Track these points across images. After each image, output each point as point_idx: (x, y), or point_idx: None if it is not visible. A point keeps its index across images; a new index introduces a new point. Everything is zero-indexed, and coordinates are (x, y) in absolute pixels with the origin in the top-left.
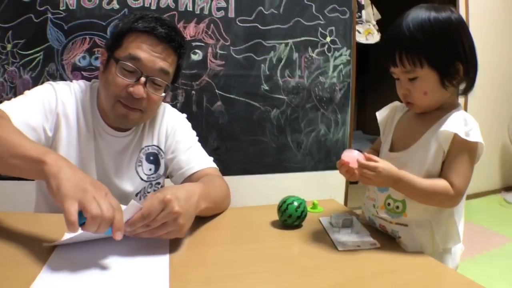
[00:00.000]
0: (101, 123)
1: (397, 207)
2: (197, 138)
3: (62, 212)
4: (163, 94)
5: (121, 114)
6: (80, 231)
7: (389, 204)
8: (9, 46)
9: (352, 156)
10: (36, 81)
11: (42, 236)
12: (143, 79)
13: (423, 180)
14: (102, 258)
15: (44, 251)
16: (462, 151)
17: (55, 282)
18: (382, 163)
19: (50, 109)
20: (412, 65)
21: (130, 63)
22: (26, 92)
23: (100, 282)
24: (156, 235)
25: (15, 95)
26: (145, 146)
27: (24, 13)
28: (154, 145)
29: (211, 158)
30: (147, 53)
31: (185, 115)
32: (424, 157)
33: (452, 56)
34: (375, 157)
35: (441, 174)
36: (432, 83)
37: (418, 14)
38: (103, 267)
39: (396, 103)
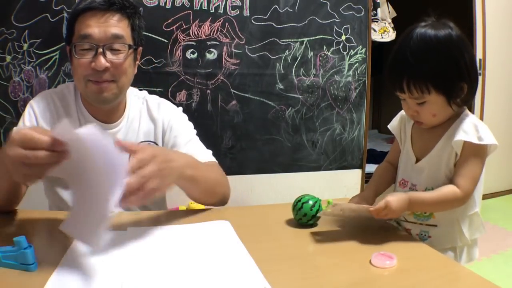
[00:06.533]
0: (87, 117)
1: (425, 212)
2: (195, 131)
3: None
4: (124, 57)
5: (94, 91)
6: None
7: None
8: (25, 46)
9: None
10: (53, 81)
11: (56, 234)
12: (100, 50)
13: (431, 192)
14: (109, 255)
15: (57, 252)
16: (470, 154)
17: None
18: (388, 197)
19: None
20: (420, 93)
21: (83, 42)
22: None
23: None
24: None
25: (31, 95)
26: (140, 142)
27: (40, 12)
28: (150, 141)
29: (210, 152)
30: (94, 27)
31: (180, 108)
32: (440, 164)
33: (457, 78)
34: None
35: (452, 176)
36: (440, 105)
37: (423, 37)
38: (113, 262)
39: (403, 112)
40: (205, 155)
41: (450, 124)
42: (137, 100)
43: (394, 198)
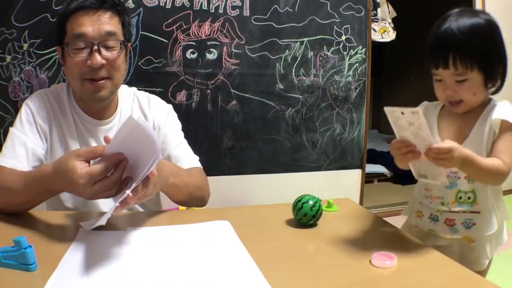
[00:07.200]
0: (81, 115)
1: (469, 198)
2: (182, 133)
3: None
4: (118, 53)
5: (91, 90)
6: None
7: (460, 197)
8: (25, 46)
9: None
10: (53, 81)
11: (56, 234)
12: (95, 47)
13: (482, 158)
14: (112, 253)
15: (57, 252)
16: (508, 132)
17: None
18: (452, 143)
19: (33, 126)
20: (464, 69)
21: (77, 41)
22: (11, 129)
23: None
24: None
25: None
26: None
27: (40, 12)
28: None
29: (197, 157)
30: (87, 25)
31: (171, 106)
32: (481, 146)
33: (496, 59)
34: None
35: (491, 154)
36: (479, 85)
37: (465, 18)
38: (113, 262)
39: (426, 102)
40: (192, 160)
41: (481, 110)
42: (128, 96)
43: (459, 147)
